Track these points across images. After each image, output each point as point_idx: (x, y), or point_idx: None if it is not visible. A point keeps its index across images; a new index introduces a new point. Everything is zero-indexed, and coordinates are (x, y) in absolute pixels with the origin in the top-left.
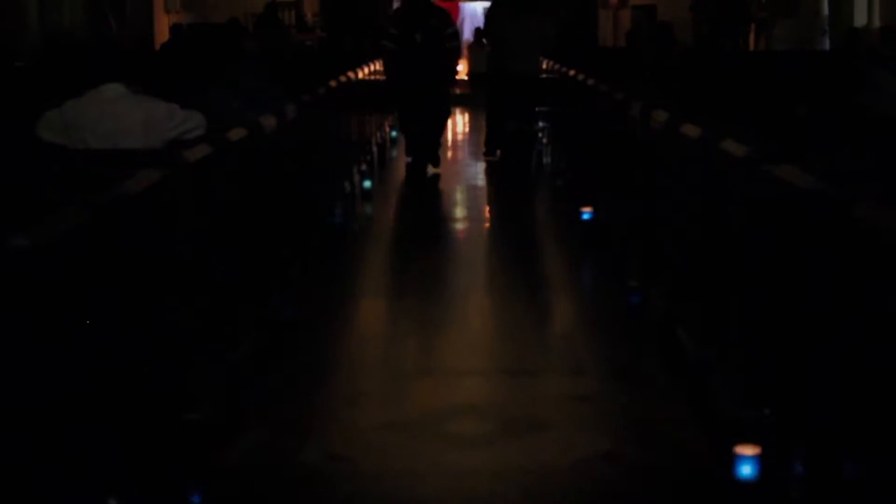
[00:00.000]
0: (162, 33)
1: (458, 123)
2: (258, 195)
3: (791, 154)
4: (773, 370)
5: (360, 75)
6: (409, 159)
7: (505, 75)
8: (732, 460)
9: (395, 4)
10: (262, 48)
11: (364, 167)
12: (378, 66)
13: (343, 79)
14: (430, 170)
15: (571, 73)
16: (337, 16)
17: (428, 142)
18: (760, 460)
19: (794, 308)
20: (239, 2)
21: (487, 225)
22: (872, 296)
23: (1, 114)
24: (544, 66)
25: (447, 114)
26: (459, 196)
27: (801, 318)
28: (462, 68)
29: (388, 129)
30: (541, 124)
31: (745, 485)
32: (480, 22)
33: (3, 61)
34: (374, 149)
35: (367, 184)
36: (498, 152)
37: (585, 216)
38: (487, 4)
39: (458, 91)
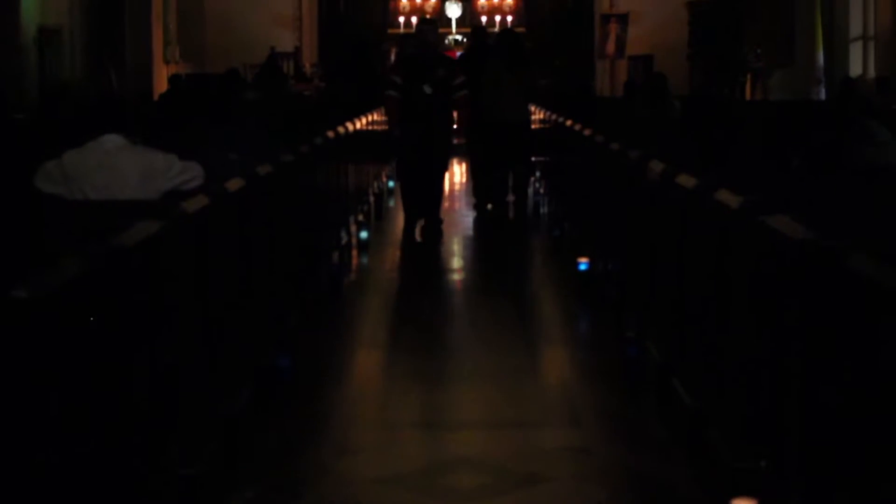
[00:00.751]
0: (161, 84)
1: (455, 173)
2: (255, 245)
3: (786, 204)
4: (771, 422)
5: (358, 126)
6: (408, 214)
7: (493, 126)
8: None
9: (394, 54)
10: (260, 98)
11: (361, 218)
12: (376, 117)
13: (341, 129)
14: (423, 220)
15: (568, 123)
16: (335, 66)
17: (429, 198)
18: None
19: (791, 358)
20: (237, 52)
21: (484, 275)
22: (866, 345)
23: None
24: (540, 115)
25: (446, 168)
26: (456, 247)
27: (797, 368)
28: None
29: (384, 180)
30: (538, 174)
31: None
32: None
33: (2, 112)
34: (371, 199)
35: (364, 234)
36: (489, 206)
37: (582, 267)
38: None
39: (455, 141)
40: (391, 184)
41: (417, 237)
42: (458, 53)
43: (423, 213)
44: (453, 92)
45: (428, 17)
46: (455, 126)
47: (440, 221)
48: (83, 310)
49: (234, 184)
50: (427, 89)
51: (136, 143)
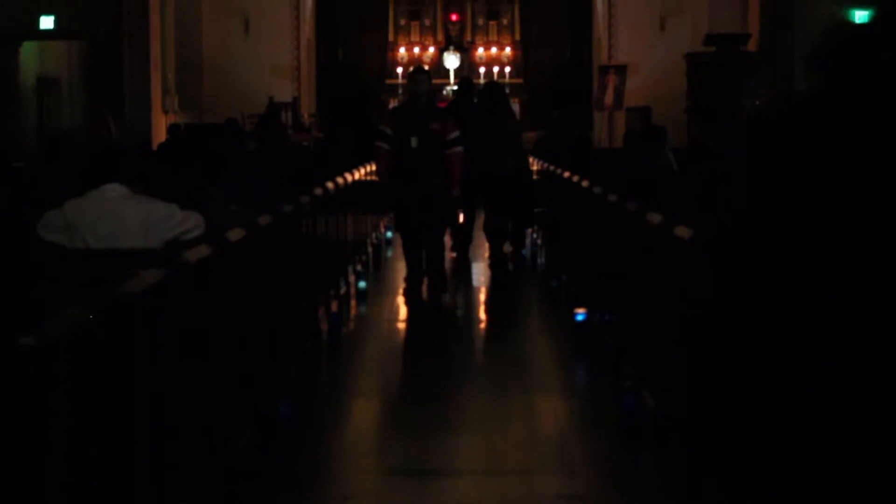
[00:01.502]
0: (159, 133)
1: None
2: (255, 294)
3: None
4: (764, 469)
5: (357, 176)
6: (409, 270)
7: (479, 177)
8: None
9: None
10: (259, 149)
11: (360, 267)
12: (374, 167)
13: (340, 180)
14: (428, 278)
15: (566, 174)
16: (334, 117)
17: (428, 255)
18: None
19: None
20: (236, 102)
21: (482, 325)
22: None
23: (0, 214)
24: (537, 167)
25: (445, 225)
26: (453, 296)
27: (792, 414)
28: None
29: (383, 230)
30: (535, 226)
31: None
32: None
33: (2, 161)
34: (370, 249)
35: (363, 284)
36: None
37: (579, 317)
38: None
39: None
40: (389, 234)
41: (424, 295)
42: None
43: (426, 271)
44: (446, 147)
45: (421, 66)
46: (449, 183)
47: (444, 279)
48: (89, 356)
49: (236, 234)
50: (413, 143)
51: (137, 192)
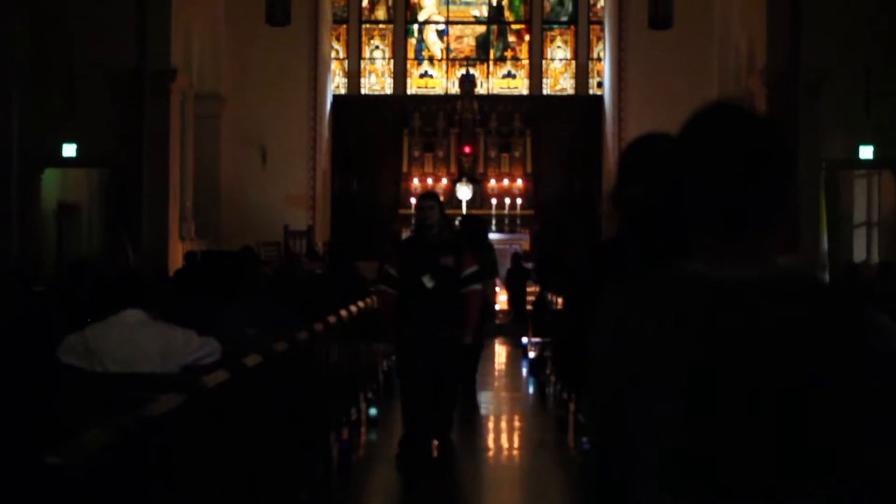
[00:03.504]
0: (176, 260)
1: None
2: (269, 418)
3: None
4: None
5: (370, 303)
6: (406, 430)
7: None
8: None
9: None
10: (274, 276)
11: (370, 395)
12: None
13: (353, 308)
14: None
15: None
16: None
17: (435, 412)
18: None
19: None
20: (251, 230)
21: (489, 454)
22: None
23: (20, 337)
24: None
25: (456, 376)
26: (461, 425)
27: None
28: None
29: (394, 358)
30: (546, 354)
31: None
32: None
33: (23, 286)
34: (381, 376)
35: (373, 411)
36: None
37: (586, 446)
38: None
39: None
40: (373, 411)
41: (434, 452)
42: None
43: (430, 431)
44: (463, 285)
45: (431, 191)
46: (463, 325)
47: (451, 442)
48: (110, 476)
49: (252, 360)
50: (428, 282)
51: (156, 318)
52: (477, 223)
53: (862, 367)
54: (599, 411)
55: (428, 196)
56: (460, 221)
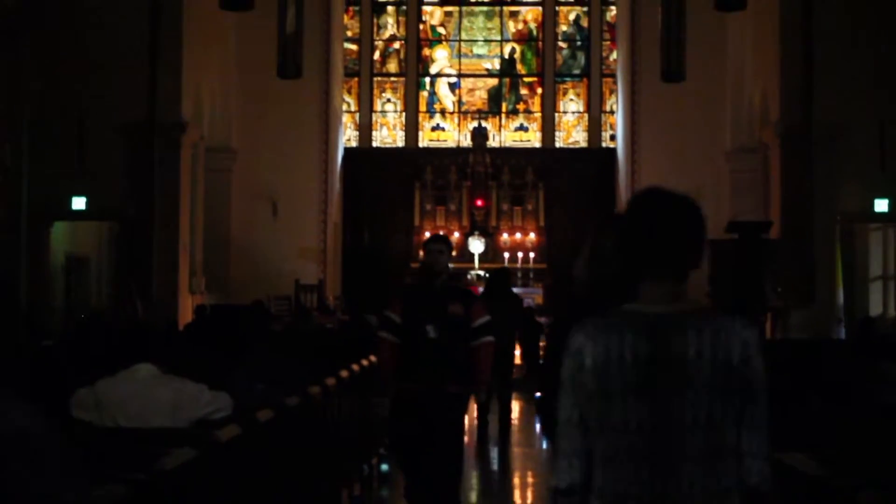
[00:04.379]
0: (185, 313)
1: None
2: (281, 473)
3: (802, 442)
4: None
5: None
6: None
7: None
8: None
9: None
10: (285, 331)
11: (383, 451)
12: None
13: (365, 362)
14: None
15: None
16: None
17: (441, 485)
18: None
19: None
20: (262, 284)
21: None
22: None
23: (30, 391)
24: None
25: (461, 449)
26: (475, 481)
27: None
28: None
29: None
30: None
31: None
32: None
33: (32, 339)
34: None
35: (385, 467)
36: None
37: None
38: None
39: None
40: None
41: None
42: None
43: None
44: (472, 337)
45: (440, 234)
46: (473, 382)
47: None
48: None
49: (264, 414)
50: (432, 332)
51: (167, 372)
52: (502, 275)
53: (754, 378)
54: (563, 427)
55: (437, 239)
56: (488, 276)
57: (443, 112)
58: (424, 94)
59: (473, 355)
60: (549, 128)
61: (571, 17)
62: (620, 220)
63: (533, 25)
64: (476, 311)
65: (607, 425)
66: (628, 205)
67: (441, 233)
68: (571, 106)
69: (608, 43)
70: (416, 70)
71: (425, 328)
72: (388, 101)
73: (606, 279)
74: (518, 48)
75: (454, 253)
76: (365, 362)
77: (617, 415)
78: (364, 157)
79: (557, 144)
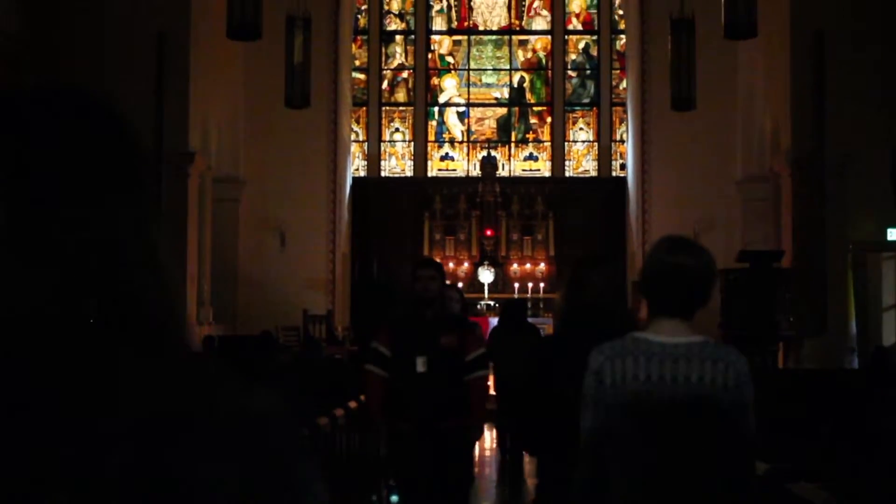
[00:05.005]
0: (194, 345)
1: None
2: None
3: (812, 472)
4: None
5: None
6: None
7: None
8: None
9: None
10: (294, 362)
11: (391, 482)
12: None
13: None
14: None
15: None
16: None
17: None
18: None
19: None
20: (270, 315)
21: None
22: None
23: None
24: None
25: (468, 481)
26: None
27: None
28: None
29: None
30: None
31: None
32: None
33: None
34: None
35: (395, 498)
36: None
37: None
38: None
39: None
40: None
41: None
42: (490, 320)
43: None
44: (467, 371)
45: (430, 258)
46: (470, 418)
47: None
48: None
49: None
50: (420, 366)
51: None
52: (517, 306)
53: (745, 400)
54: (586, 434)
55: (427, 264)
56: (501, 307)
57: (452, 141)
58: (433, 123)
59: (468, 390)
60: (558, 157)
61: (581, 45)
62: (598, 259)
63: (542, 54)
64: (471, 342)
65: (622, 437)
66: (647, 253)
67: (435, 258)
68: (581, 135)
69: (618, 72)
70: (424, 99)
71: (414, 361)
72: (397, 130)
73: (584, 308)
74: (527, 77)
75: (461, 285)
76: None
77: (631, 428)
78: (372, 186)
79: (567, 174)
